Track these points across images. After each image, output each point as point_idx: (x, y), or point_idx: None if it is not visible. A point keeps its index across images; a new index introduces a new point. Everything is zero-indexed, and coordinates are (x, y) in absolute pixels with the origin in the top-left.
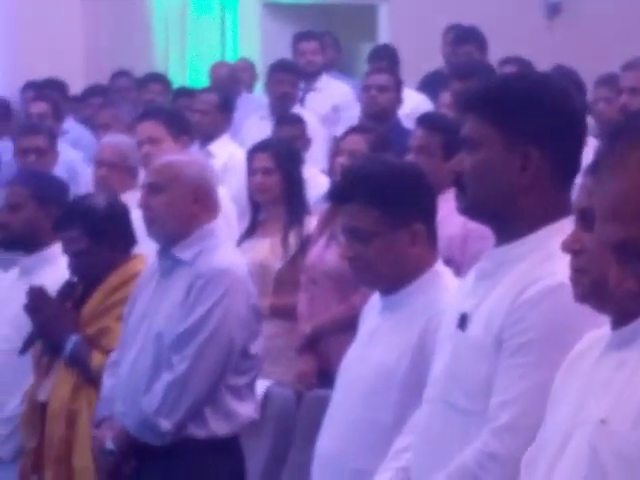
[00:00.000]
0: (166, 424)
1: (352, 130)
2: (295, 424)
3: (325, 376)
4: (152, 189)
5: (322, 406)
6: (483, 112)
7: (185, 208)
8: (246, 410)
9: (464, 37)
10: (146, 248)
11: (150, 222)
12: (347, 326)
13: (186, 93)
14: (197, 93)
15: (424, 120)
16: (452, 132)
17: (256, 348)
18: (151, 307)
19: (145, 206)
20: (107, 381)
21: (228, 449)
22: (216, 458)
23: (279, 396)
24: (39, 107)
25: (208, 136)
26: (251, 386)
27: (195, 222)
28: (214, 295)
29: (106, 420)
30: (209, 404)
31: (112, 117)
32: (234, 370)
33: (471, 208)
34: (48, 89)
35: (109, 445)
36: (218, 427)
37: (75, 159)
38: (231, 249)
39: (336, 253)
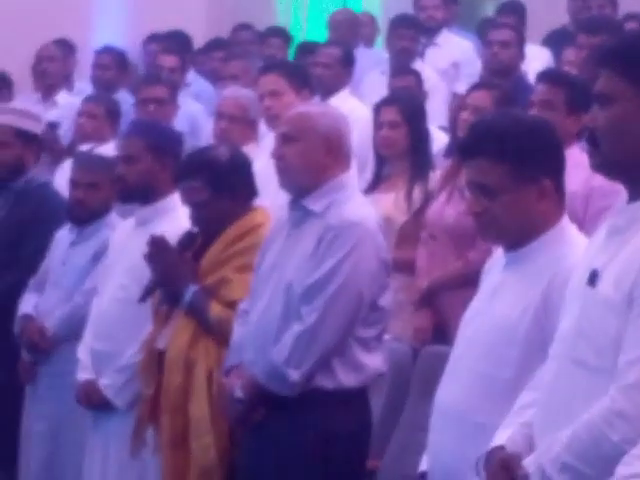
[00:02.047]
0: (294, 374)
1: (477, 86)
2: (411, 378)
3: (441, 332)
4: (285, 139)
5: (438, 362)
6: (618, 67)
7: (317, 159)
8: (374, 362)
9: None
10: (267, 201)
11: (282, 172)
12: (464, 282)
13: (308, 47)
14: (319, 47)
15: (546, 75)
16: (575, 88)
17: (385, 301)
18: (281, 258)
19: (278, 156)
20: (237, 330)
21: (355, 401)
22: (343, 410)
23: (395, 350)
24: (169, 60)
25: (329, 90)
26: (379, 338)
27: (327, 173)
28: (344, 248)
29: (235, 368)
30: (337, 356)
31: (241, 69)
32: (363, 322)
33: (605, 164)
34: (171, 42)
35: (238, 393)
36: (346, 379)
37: (197, 112)
38: (363, 201)
39: (456, 209)
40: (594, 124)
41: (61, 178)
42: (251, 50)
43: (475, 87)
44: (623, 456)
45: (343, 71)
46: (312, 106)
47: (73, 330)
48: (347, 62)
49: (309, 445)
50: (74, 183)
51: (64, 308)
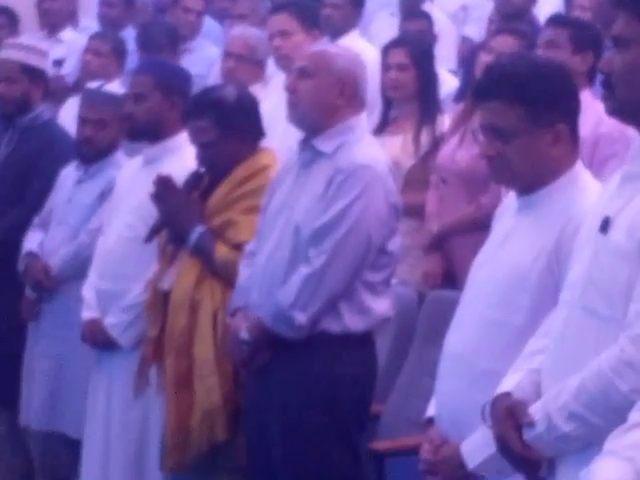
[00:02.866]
0: (301, 317)
1: (502, 30)
2: (416, 323)
3: (450, 277)
4: (301, 73)
5: (444, 306)
6: (636, 10)
7: (330, 98)
8: (381, 306)
9: None
10: (275, 142)
11: (293, 106)
12: (474, 227)
13: None
14: None
15: (551, 19)
16: (579, 27)
17: (393, 245)
18: (290, 199)
19: (291, 89)
20: (243, 271)
21: (361, 345)
22: (349, 354)
23: (401, 295)
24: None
25: (338, 31)
26: (387, 283)
27: (338, 114)
28: (353, 191)
29: (241, 310)
30: (345, 299)
31: (248, 8)
32: (371, 266)
33: (620, 109)
34: None
35: (244, 335)
36: (353, 322)
37: (215, 56)
38: (373, 144)
39: (468, 153)
40: (610, 68)
41: (66, 115)
42: None
43: (500, 31)
44: (631, 405)
45: (353, 11)
46: (332, 46)
47: (77, 269)
48: (357, 2)
49: (314, 388)
50: (82, 120)
51: (69, 246)
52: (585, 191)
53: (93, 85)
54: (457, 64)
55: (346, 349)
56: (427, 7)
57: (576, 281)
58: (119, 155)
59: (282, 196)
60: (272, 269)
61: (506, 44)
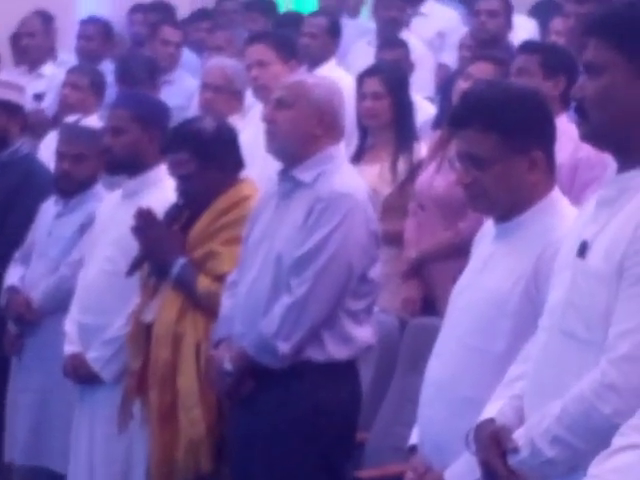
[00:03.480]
0: (284, 346)
1: (480, 57)
2: (398, 351)
3: (429, 303)
4: (279, 103)
5: (426, 333)
6: (607, 36)
7: (308, 128)
8: (364, 334)
9: None
10: (254, 172)
11: (272, 136)
12: (453, 253)
13: (292, 18)
14: (306, 17)
15: (522, 46)
16: (549, 52)
17: (374, 273)
18: (270, 229)
19: (269, 120)
20: (225, 301)
21: (345, 373)
22: (333, 382)
23: (383, 323)
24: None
25: (315, 60)
26: (369, 310)
27: (317, 144)
28: (334, 219)
29: (224, 340)
30: (327, 328)
31: (225, 40)
32: (352, 294)
33: (593, 135)
34: (156, 12)
35: (227, 365)
36: (336, 351)
37: (194, 87)
38: (352, 173)
39: (445, 179)
40: (582, 94)
41: (46, 149)
42: (236, 20)
43: (477, 58)
44: (614, 429)
45: (330, 41)
46: (309, 76)
47: (59, 302)
48: (334, 32)
49: (299, 417)
50: (60, 154)
51: (50, 279)
52: (562, 217)
53: (70, 120)
54: (434, 91)
55: (330, 377)
56: (404, 34)
57: (555, 306)
58: (99, 188)
59: (263, 226)
60: (254, 299)
61: (483, 71)
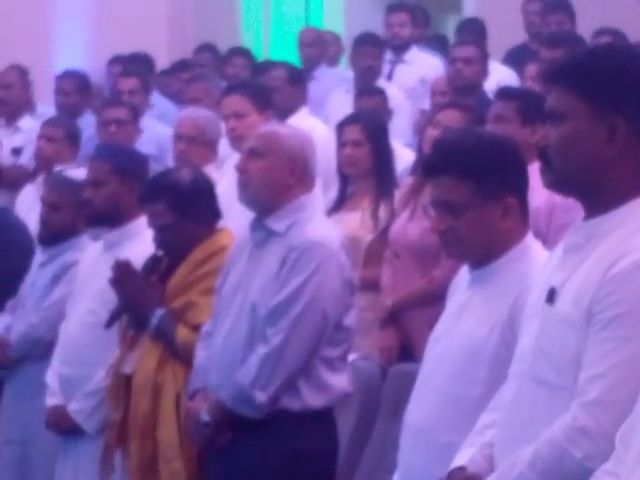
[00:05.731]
0: (261, 396)
1: (448, 104)
2: (380, 397)
3: (407, 350)
4: (252, 153)
5: (407, 380)
6: (568, 84)
7: (281, 178)
8: (340, 382)
9: (555, 6)
10: (231, 222)
11: (244, 186)
12: (428, 300)
13: (264, 67)
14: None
15: (498, 92)
16: (526, 99)
17: (349, 320)
18: (245, 278)
19: (242, 169)
20: (200, 353)
21: (322, 421)
22: (310, 430)
23: (364, 369)
24: (129, 83)
25: (285, 111)
26: (344, 358)
27: (289, 194)
28: (308, 268)
29: (200, 392)
30: (303, 376)
31: (203, 91)
32: (328, 342)
33: (558, 182)
34: (135, 63)
35: (204, 417)
36: (312, 399)
37: (164, 134)
38: (325, 222)
39: (419, 226)
40: (546, 141)
41: (22, 203)
42: (212, 71)
43: (446, 105)
44: (586, 473)
45: (293, 91)
46: (281, 126)
47: (30, 349)
48: (295, 81)
49: (277, 466)
50: (42, 201)
51: (19, 326)
52: (536, 262)
53: (59, 168)
54: (412, 137)
55: (307, 426)
56: (382, 83)
57: (525, 352)
58: (84, 239)
59: (237, 276)
60: (230, 349)
61: (451, 118)
